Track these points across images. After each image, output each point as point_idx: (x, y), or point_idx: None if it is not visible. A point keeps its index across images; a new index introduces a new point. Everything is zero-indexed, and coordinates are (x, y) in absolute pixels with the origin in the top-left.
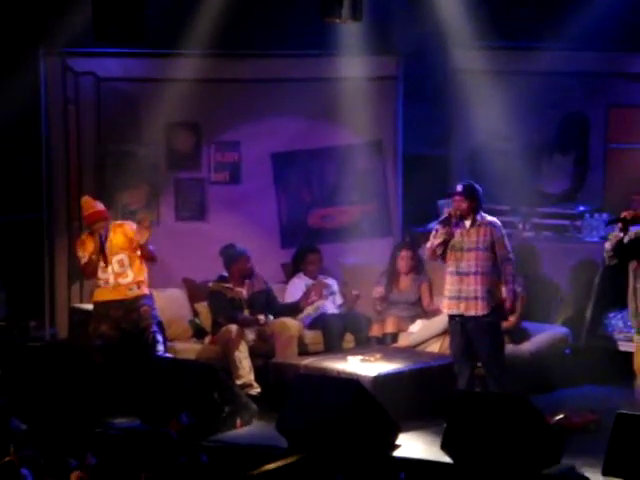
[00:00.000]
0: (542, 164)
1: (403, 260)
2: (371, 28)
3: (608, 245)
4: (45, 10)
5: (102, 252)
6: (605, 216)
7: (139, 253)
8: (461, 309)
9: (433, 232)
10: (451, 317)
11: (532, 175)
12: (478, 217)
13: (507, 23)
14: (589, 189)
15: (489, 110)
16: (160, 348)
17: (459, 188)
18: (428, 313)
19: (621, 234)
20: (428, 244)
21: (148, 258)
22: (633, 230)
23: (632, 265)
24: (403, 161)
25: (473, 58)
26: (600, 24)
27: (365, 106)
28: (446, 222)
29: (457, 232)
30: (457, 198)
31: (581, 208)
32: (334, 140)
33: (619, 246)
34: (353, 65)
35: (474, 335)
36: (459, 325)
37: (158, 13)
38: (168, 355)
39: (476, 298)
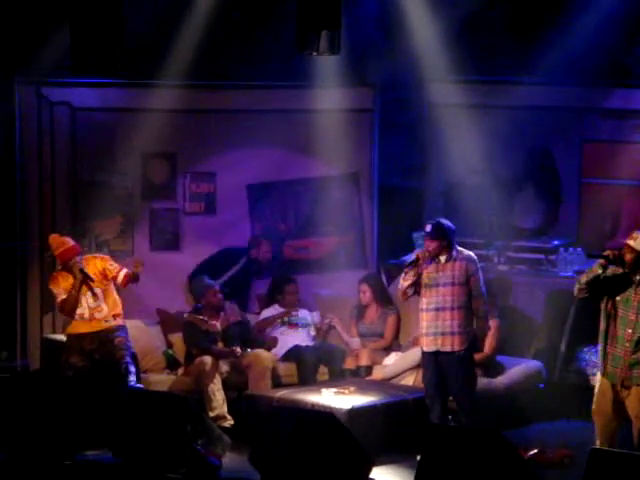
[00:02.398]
0: (515, 198)
1: (363, 294)
2: (347, 60)
3: (584, 278)
4: (21, 39)
5: (88, 284)
6: (579, 250)
7: (112, 286)
8: (438, 344)
9: (402, 275)
10: (425, 351)
11: (506, 209)
12: (453, 252)
13: (482, 57)
14: (563, 223)
15: (464, 143)
16: (132, 379)
17: (427, 228)
18: (393, 347)
19: (600, 271)
20: (399, 286)
21: (129, 282)
22: (611, 268)
23: (604, 305)
24: (378, 193)
25: (449, 91)
26: (575, 60)
27: (341, 138)
28: (414, 264)
29: (432, 267)
30: (426, 239)
31: (555, 242)
32: (310, 171)
33: (595, 282)
34: (329, 97)
35: (447, 369)
36: (432, 358)
37: (135, 43)
38: (140, 386)
39: (452, 333)
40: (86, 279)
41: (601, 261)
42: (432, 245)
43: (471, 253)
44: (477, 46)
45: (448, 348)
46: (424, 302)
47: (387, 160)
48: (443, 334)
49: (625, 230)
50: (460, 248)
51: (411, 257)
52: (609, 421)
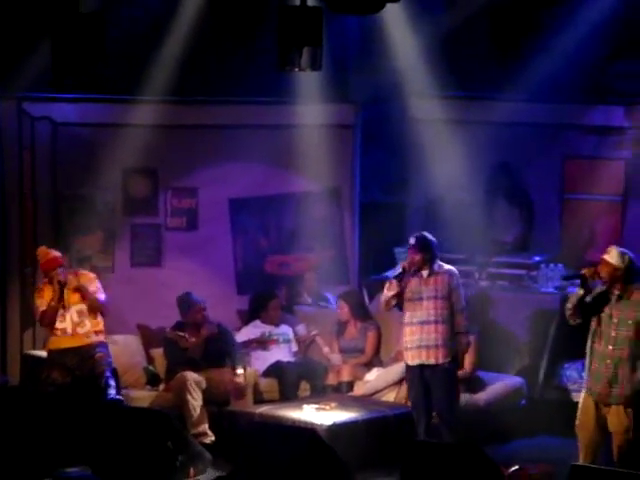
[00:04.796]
0: (495, 213)
1: (342, 310)
2: (329, 76)
3: (569, 304)
4: (2, 54)
5: (61, 298)
6: (560, 267)
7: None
8: (422, 358)
9: (387, 284)
10: (410, 365)
11: (487, 224)
12: (435, 266)
13: (464, 73)
14: (545, 239)
15: (445, 159)
16: (112, 392)
17: (412, 241)
18: (375, 362)
19: (582, 292)
20: (382, 296)
21: (94, 308)
22: (595, 287)
23: (592, 324)
24: (360, 208)
25: (430, 107)
26: (556, 76)
27: (322, 153)
28: (400, 276)
29: (415, 281)
30: (410, 251)
31: (537, 258)
32: (291, 187)
33: (581, 305)
34: (311, 112)
35: (432, 383)
36: (417, 372)
37: (116, 59)
38: (119, 397)
39: (436, 346)
40: (62, 291)
41: (579, 282)
42: (417, 257)
43: (452, 267)
44: (458, 62)
45: (432, 361)
46: (407, 316)
47: (368, 175)
48: (427, 347)
49: (605, 246)
50: (441, 262)
51: (396, 271)
52: (592, 437)
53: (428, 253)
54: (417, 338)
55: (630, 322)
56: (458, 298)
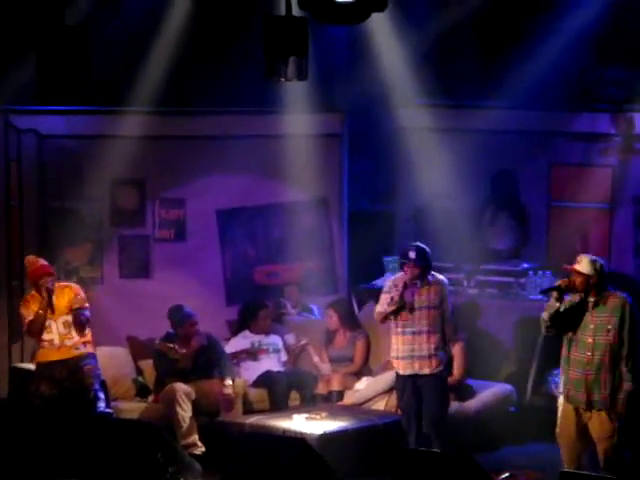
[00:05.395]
0: (484, 221)
1: (331, 319)
2: (315, 86)
3: (545, 315)
4: None
5: (50, 306)
6: (549, 274)
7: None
8: (415, 368)
9: (387, 299)
10: (401, 375)
11: (476, 232)
12: (429, 277)
13: (450, 81)
14: (533, 246)
15: (433, 167)
16: (101, 405)
17: (412, 255)
18: (364, 371)
19: (557, 304)
20: (379, 309)
21: (77, 323)
22: (567, 299)
23: (567, 333)
24: (348, 217)
25: (417, 116)
26: (542, 84)
27: (310, 163)
28: (403, 292)
29: (408, 292)
30: (412, 265)
31: (525, 265)
32: (279, 197)
33: (557, 316)
34: (297, 122)
35: (424, 391)
36: (409, 381)
37: (102, 70)
38: (109, 410)
39: (429, 356)
40: (50, 299)
41: (554, 294)
42: (417, 270)
43: (444, 277)
44: (445, 70)
45: (426, 371)
46: (400, 325)
47: (356, 184)
48: (420, 357)
49: (593, 253)
50: (434, 272)
51: (399, 287)
52: (573, 444)
53: (427, 264)
54: (409, 348)
55: (610, 327)
56: (448, 308)
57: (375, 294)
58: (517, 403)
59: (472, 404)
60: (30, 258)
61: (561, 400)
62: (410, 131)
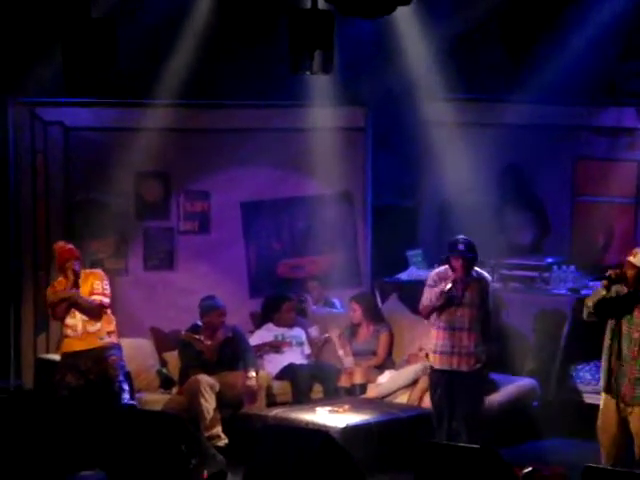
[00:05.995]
0: (508, 215)
1: (354, 312)
2: (340, 79)
3: (590, 301)
4: (14, 59)
5: (76, 287)
6: (572, 268)
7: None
8: (454, 365)
9: (436, 293)
10: (437, 369)
11: (502, 226)
12: (473, 272)
13: (475, 76)
14: (557, 241)
15: (457, 161)
16: (126, 396)
17: (461, 247)
18: (387, 365)
19: (604, 292)
20: (426, 302)
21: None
22: (613, 288)
23: (610, 323)
24: (372, 211)
25: (441, 110)
26: (567, 78)
27: (334, 156)
28: (452, 288)
29: (458, 286)
30: (460, 258)
31: (549, 260)
32: (303, 190)
33: (601, 303)
34: (323, 116)
35: (461, 389)
36: (445, 377)
37: (128, 63)
38: (133, 402)
39: (469, 354)
40: (76, 279)
41: (604, 282)
42: (465, 264)
43: (487, 274)
44: (470, 64)
45: (465, 368)
46: (442, 320)
47: (380, 178)
48: (460, 354)
49: (618, 248)
50: (476, 268)
51: (448, 284)
52: (614, 439)
53: (475, 258)
54: (448, 344)
55: None
56: (490, 304)
57: (399, 288)
58: (541, 397)
59: (496, 398)
60: (59, 243)
61: (602, 394)
62: (434, 125)
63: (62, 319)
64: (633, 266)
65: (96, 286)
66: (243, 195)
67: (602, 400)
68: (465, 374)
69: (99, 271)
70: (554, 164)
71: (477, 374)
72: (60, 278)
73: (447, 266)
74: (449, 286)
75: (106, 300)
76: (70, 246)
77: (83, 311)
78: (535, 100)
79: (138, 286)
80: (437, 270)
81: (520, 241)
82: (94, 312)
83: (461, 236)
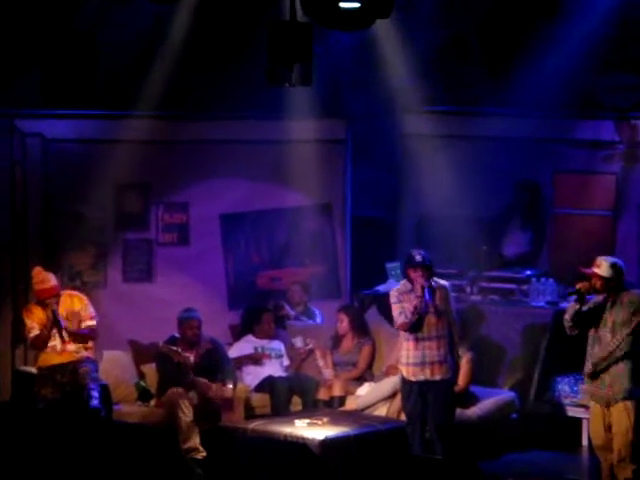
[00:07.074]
0: (501, 228)
1: (341, 323)
2: (320, 91)
3: (567, 316)
4: None
5: (57, 327)
6: (551, 280)
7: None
8: (427, 374)
9: (409, 309)
10: (409, 380)
11: (483, 239)
12: (432, 282)
13: (455, 89)
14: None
15: (438, 174)
16: (94, 402)
17: (419, 258)
18: (367, 377)
19: (577, 305)
20: (403, 320)
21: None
22: (592, 299)
23: (591, 332)
24: (351, 223)
25: (422, 122)
26: (546, 91)
27: (314, 168)
28: (421, 297)
29: (426, 294)
30: (420, 268)
31: (528, 272)
32: (283, 202)
33: (577, 316)
34: (302, 128)
35: (432, 398)
36: (416, 388)
37: (107, 75)
38: (99, 407)
39: (440, 362)
40: (56, 320)
41: (575, 297)
42: (426, 274)
43: (445, 282)
44: (450, 77)
45: (437, 377)
46: (409, 331)
47: (360, 191)
48: (432, 363)
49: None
50: (434, 278)
51: (417, 298)
52: (605, 442)
53: (432, 266)
54: (419, 354)
55: (625, 321)
56: (452, 310)
57: (377, 300)
58: (519, 410)
59: (474, 411)
60: (38, 271)
61: (590, 403)
62: (414, 137)
63: (41, 349)
64: (599, 277)
65: (84, 313)
66: (222, 207)
67: (590, 407)
68: (437, 383)
69: (81, 295)
70: (532, 176)
71: (448, 382)
72: (34, 303)
73: (405, 281)
74: (419, 298)
75: (95, 323)
76: (51, 283)
77: (76, 341)
78: (514, 113)
79: (117, 298)
80: (396, 287)
81: (508, 252)
82: (88, 339)
83: (415, 249)
